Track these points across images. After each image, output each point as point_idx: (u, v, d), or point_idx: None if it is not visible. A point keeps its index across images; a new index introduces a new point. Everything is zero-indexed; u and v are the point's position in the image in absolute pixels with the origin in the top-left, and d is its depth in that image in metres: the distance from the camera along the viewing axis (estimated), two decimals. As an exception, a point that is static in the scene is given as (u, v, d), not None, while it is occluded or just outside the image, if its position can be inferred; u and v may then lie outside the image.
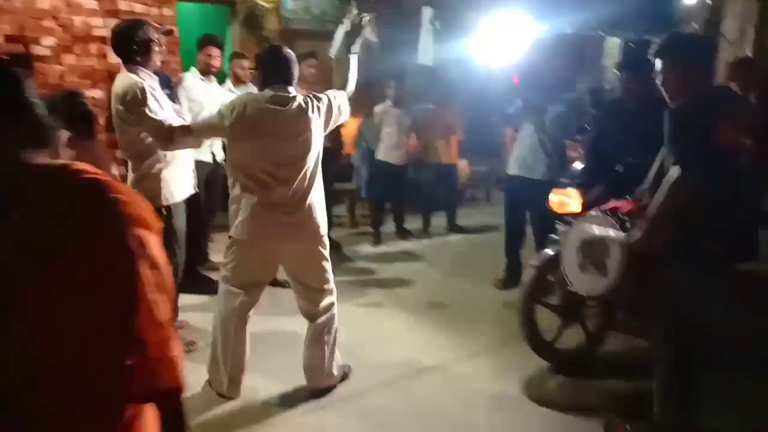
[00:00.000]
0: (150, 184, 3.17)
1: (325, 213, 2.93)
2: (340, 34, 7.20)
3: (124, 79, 3.07)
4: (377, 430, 2.83)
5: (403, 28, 7.39)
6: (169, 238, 3.26)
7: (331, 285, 3.01)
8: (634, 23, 9.41)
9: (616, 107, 3.80)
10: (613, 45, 11.13)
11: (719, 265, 2.51)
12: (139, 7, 5.18)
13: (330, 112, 2.88)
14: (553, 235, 3.39)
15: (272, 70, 2.78)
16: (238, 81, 4.99)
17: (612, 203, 2.93)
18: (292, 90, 2.79)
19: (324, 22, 7.67)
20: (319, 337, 2.96)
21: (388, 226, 6.12)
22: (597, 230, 2.86)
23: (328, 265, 2.97)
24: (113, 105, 3.12)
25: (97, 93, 5.09)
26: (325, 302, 2.97)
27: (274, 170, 2.72)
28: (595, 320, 3.43)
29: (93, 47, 5.04)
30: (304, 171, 2.76)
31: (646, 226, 2.53)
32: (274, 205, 2.73)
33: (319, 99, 2.84)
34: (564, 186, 3.49)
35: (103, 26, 5.04)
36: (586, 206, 3.23)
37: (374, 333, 3.87)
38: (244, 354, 2.93)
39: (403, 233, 6.12)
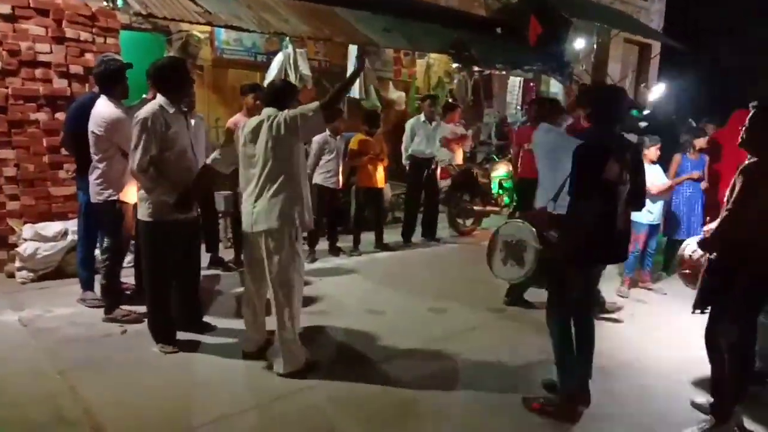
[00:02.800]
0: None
1: (289, 209, 3.48)
2: (275, 65, 7.67)
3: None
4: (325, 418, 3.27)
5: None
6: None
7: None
8: (532, 63, 10.53)
9: None
10: (514, 82, 12.32)
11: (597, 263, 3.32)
12: (85, 35, 5.39)
13: (285, 126, 3.45)
14: None
15: (270, 97, 3.70)
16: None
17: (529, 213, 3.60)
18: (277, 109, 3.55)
19: (254, 53, 8.11)
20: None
21: (322, 245, 6.53)
22: (517, 234, 3.50)
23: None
24: None
25: (42, 116, 5.23)
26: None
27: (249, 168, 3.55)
28: None
29: (38, 72, 5.18)
30: (267, 170, 3.46)
31: (565, 235, 3.19)
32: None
33: (277, 116, 3.48)
34: None
35: (49, 52, 5.21)
36: None
37: (323, 335, 4.32)
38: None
39: (335, 251, 6.57)
